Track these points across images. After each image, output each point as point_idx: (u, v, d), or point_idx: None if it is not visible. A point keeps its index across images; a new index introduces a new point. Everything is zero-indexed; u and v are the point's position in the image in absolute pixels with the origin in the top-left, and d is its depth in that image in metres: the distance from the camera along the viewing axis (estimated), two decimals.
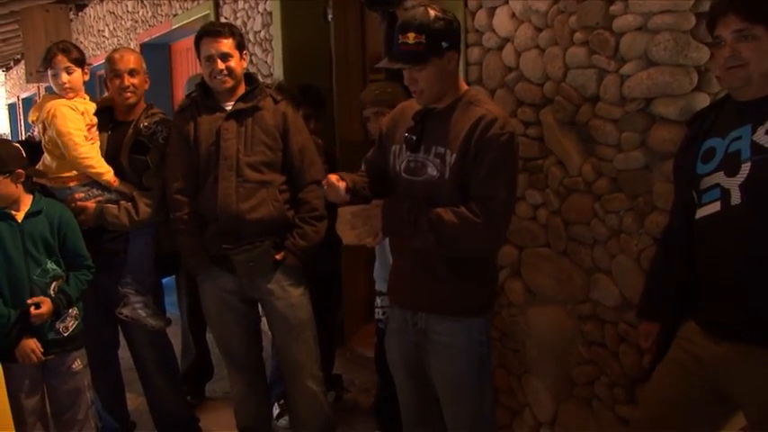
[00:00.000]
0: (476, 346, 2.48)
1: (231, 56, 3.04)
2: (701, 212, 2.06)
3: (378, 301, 3.30)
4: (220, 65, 3.02)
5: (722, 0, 1.99)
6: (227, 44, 3.03)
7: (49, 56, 3.17)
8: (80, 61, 3.23)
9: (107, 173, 3.17)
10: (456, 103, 2.39)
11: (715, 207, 2.01)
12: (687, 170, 2.12)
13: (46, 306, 2.87)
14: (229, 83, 3.06)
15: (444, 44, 2.30)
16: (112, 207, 3.18)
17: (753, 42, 1.93)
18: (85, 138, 3.13)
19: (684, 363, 2.13)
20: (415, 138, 2.41)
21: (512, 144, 2.32)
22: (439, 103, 2.40)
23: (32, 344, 2.88)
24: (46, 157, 3.18)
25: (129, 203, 3.20)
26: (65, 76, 3.16)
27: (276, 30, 4.67)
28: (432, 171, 2.37)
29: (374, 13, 3.17)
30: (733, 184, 1.96)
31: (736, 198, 1.96)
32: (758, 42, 1.93)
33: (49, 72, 3.18)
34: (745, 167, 1.94)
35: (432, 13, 2.29)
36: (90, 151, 3.13)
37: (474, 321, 2.47)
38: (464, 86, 2.48)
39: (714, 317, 2.07)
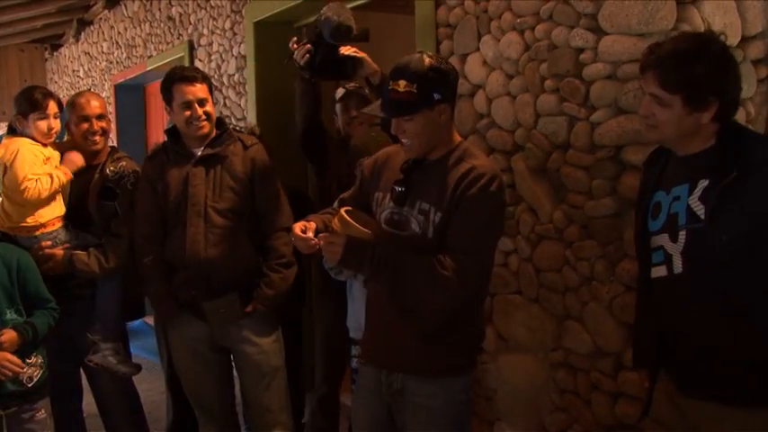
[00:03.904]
0: (455, 405, 2.34)
1: (207, 101, 3.04)
2: (653, 272, 2.03)
3: (354, 350, 3.21)
4: (199, 110, 3.00)
5: (652, 54, 1.93)
6: (203, 89, 3.03)
7: (40, 99, 3.14)
8: (61, 107, 3.24)
9: (57, 180, 3.11)
10: (447, 157, 2.28)
11: (662, 271, 1.99)
12: (640, 224, 2.09)
13: (8, 335, 2.76)
14: (207, 127, 3.04)
15: (436, 95, 2.18)
16: (82, 254, 3.14)
17: (666, 110, 1.90)
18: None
19: (664, 417, 2.11)
20: (402, 189, 2.30)
21: (495, 200, 2.22)
22: (429, 155, 2.30)
23: (7, 355, 2.75)
24: (4, 202, 3.12)
25: (99, 250, 3.15)
26: (54, 122, 3.16)
27: (250, 73, 4.67)
28: (415, 227, 2.26)
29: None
30: (675, 250, 1.94)
31: (677, 266, 1.94)
32: (672, 110, 1.89)
33: (34, 115, 3.13)
34: (682, 235, 1.92)
35: (427, 61, 2.19)
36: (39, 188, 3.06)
37: (455, 381, 2.35)
38: (457, 139, 2.35)
39: (678, 374, 2.05)
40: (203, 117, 3.01)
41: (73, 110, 3.26)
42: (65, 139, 3.42)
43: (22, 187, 3.02)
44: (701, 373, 1.96)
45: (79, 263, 3.12)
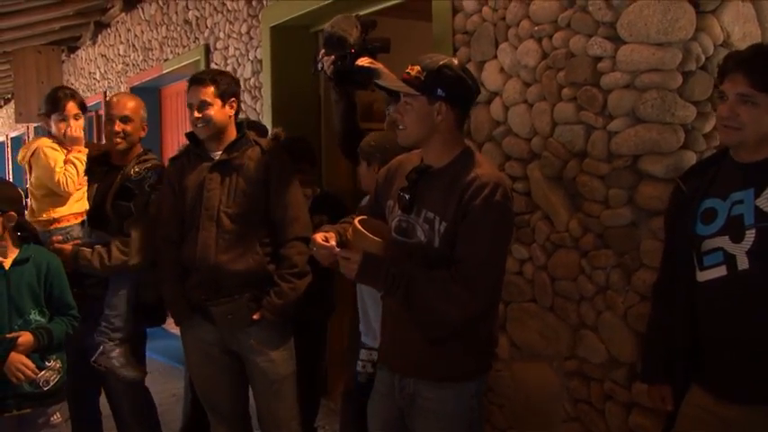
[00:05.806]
0: (466, 411, 2.34)
1: (210, 104, 3.00)
2: (705, 276, 2.03)
3: (362, 353, 3.18)
4: (197, 113, 3.00)
5: (735, 58, 2.00)
6: (206, 92, 3.00)
7: (59, 100, 3.15)
8: (84, 108, 3.24)
9: (78, 161, 3.13)
10: (451, 165, 2.29)
11: (720, 271, 1.99)
12: (685, 230, 2.09)
13: (25, 338, 2.75)
14: (207, 131, 3.03)
15: (440, 92, 2.22)
16: (86, 250, 3.14)
17: (753, 108, 1.93)
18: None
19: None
20: (408, 197, 2.31)
21: (500, 209, 2.21)
22: (436, 162, 2.31)
23: (22, 358, 2.74)
24: (30, 198, 3.14)
25: (104, 248, 3.16)
26: (74, 123, 3.16)
27: (266, 77, 4.69)
28: (420, 235, 2.27)
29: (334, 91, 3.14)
30: (738, 249, 1.95)
31: (743, 263, 1.94)
32: (758, 109, 1.93)
33: (54, 116, 3.15)
34: (750, 234, 1.93)
35: (446, 61, 2.25)
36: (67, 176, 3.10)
37: (465, 386, 2.35)
38: (464, 147, 2.36)
39: (723, 380, 2.03)
40: (201, 121, 3.00)
41: (105, 108, 3.27)
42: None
43: (58, 182, 3.06)
44: (756, 373, 1.95)
45: (82, 258, 3.12)
